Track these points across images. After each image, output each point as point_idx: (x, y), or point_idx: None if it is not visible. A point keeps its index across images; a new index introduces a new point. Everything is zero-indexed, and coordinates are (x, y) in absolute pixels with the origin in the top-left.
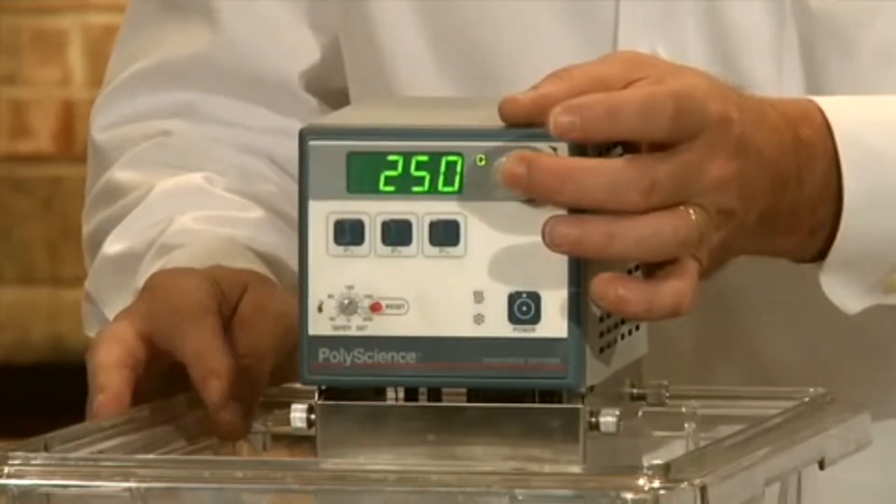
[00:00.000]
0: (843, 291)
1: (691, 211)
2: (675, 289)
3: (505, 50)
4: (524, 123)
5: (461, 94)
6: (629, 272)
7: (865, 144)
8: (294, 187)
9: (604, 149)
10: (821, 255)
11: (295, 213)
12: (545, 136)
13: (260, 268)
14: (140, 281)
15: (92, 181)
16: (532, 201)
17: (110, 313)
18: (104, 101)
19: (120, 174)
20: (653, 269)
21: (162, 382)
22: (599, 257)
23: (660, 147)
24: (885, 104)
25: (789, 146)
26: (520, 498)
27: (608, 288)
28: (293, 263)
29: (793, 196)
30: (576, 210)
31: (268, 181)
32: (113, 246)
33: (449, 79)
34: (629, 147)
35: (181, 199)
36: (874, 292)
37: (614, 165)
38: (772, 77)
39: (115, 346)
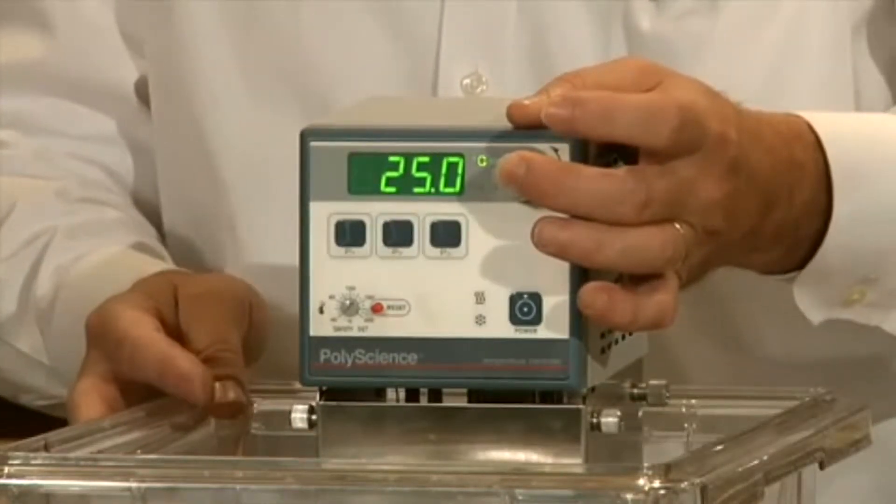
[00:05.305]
0: (808, 302)
1: (678, 227)
2: (659, 302)
3: (323, 64)
4: (531, 128)
5: (270, 109)
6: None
7: (855, 160)
8: (126, 196)
9: (604, 152)
10: (793, 268)
11: (140, 220)
12: (547, 137)
13: (168, 263)
14: (38, 304)
15: None
16: (533, 202)
17: (17, 341)
18: None
19: None
20: (636, 280)
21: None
22: (584, 263)
23: (655, 157)
24: (873, 121)
25: (784, 167)
26: (520, 498)
27: (596, 297)
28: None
29: (781, 216)
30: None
31: (108, 190)
32: None
33: (258, 92)
34: (626, 153)
35: (47, 212)
36: (835, 305)
37: (612, 176)
38: None
39: (92, 399)
